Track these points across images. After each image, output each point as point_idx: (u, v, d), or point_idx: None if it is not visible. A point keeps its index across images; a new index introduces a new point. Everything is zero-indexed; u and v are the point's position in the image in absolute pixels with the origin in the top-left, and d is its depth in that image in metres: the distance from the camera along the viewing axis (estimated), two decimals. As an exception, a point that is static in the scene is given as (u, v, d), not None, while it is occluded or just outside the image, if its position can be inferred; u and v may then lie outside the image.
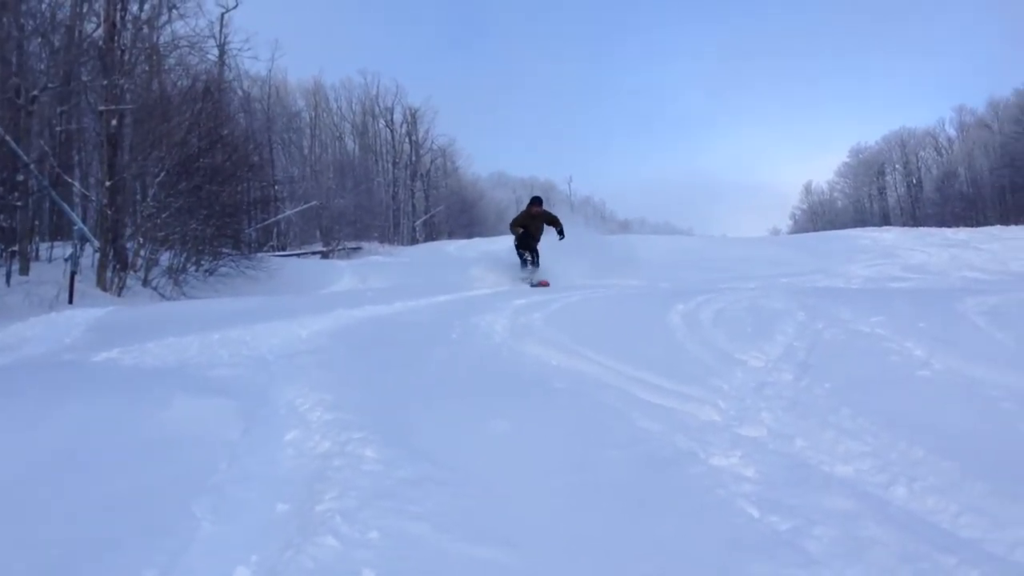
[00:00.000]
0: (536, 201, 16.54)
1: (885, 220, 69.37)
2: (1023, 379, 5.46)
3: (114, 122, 21.22)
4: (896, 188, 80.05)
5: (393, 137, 67.05)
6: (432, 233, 63.49)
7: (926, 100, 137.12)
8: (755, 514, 3.55)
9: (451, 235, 59.55)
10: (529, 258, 16.23)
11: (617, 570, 3.05)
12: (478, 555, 3.11)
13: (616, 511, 3.61)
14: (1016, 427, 4.52)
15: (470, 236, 52.07)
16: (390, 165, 66.11)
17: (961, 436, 4.41)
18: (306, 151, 59.37)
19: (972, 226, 34.74)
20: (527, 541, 3.24)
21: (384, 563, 2.98)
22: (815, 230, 63.93)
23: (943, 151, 73.85)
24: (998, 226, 30.62)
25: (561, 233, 16.33)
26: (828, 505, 3.58)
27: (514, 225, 16.26)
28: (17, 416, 4.99)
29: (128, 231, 21.84)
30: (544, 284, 15.35)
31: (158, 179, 21.12)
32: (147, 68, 25.00)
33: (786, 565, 3.05)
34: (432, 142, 68.37)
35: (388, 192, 64.08)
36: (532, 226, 16.26)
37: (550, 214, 16.63)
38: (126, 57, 22.96)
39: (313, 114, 62.45)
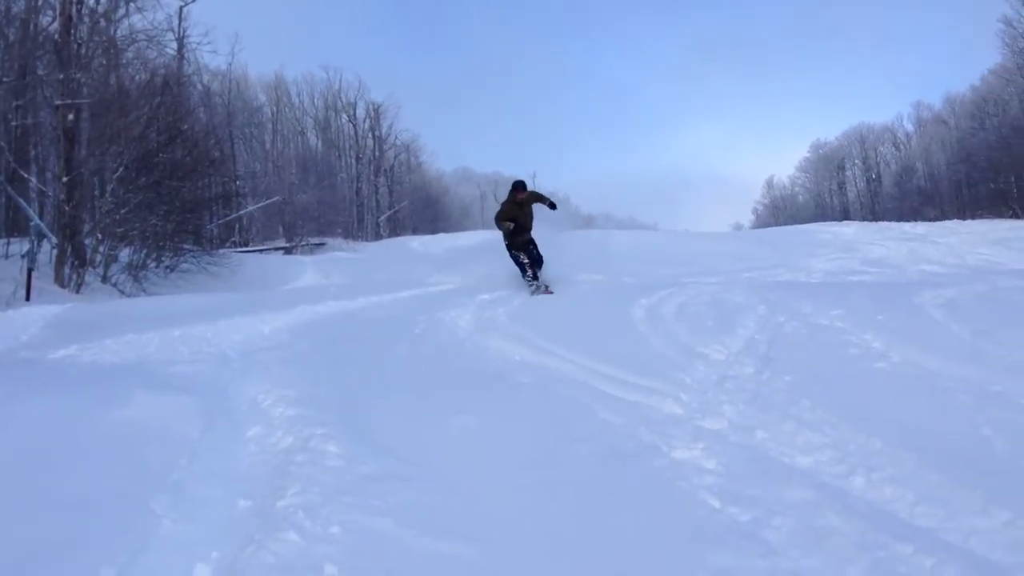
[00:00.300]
0: (519, 186, 13.20)
1: (845, 215, 70.09)
2: (979, 371, 5.57)
3: (71, 116, 20.88)
4: (856, 183, 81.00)
5: (356, 132, 66.54)
6: (396, 229, 63.16)
7: (884, 96, 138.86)
8: (716, 505, 3.58)
9: (415, 231, 59.28)
10: (526, 261, 12.89)
11: (580, 564, 3.06)
12: (442, 550, 3.11)
13: (580, 505, 3.63)
14: (972, 418, 4.60)
15: (435, 232, 51.77)
16: (353, 160, 65.62)
17: (918, 427, 4.48)
18: (268, 146, 58.81)
19: (930, 220, 35.27)
20: (491, 536, 3.25)
21: (346, 558, 2.98)
22: (777, 225, 64.49)
23: (901, 146, 74.84)
24: (955, 220, 31.10)
25: (553, 205, 13.58)
26: (788, 496, 3.63)
27: (501, 219, 12.89)
28: (-28, 415, 4.90)
29: (86, 227, 21.46)
30: (547, 292, 12.41)
31: (116, 174, 20.80)
32: (104, 62, 24.57)
33: (746, 555, 3.09)
34: (396, 137, 67.98)
35: (351, 187, 63.62)
36: (521, 216, 13.02)
37: (535, 194, 13.67)
38: (83, 51, 22.57)
39: (275, 109, 61.85)
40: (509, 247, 13.09)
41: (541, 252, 13.18)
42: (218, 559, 3.03)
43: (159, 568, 2.98)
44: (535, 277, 12.82)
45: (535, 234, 13.39)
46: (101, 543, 3.10)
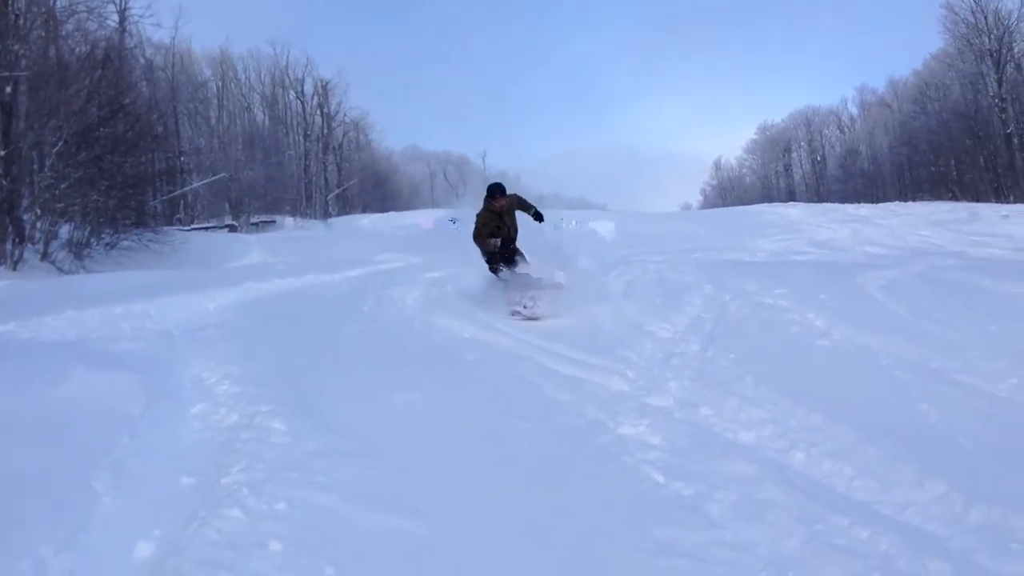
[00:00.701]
0: (497, 191, 9.48)
1: (791, 196, 71.01)
2: (915, 349, 5.72)
3: (8, 89, 20.30)
4: (801, 165, 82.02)
5: (304, 109, 65.57)
6: (345, 207, 62.55)
7: (830, 79, 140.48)
8: (660, 480, 3.63)
9: (365, 209, 58.91)
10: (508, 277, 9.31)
11: (525, 537, 3.08)
12: (387, 525, 3.10)
13: (526, 481, 3.65)
14: (909, 394, 4.72)
15: (384, 210, 51.65)
16: (301, 138, 64.72)
17: (856, 403, 4.59)
18: (213, 122, 57.61)
19: (873, 202, 36.00)
20: (437, 511, 3.25)
21: (291, 533, 2.96)
22: (724, 206, 65.32)
23: (846, 129, 75.96)
24: (896, 202, 31.83)
25: (539, 216, 9.89)
26: (730, 470, 3.69)
27: (481, 238, 9.25)
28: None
29: (25, 202, 20.93)
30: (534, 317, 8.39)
31: (56, 149, 20.30)
32: (43, 34, 23.89)
33: (689, 528, 3.14)
34: (344, 115, 67.12)
35: (300, 165, 62.77)
36: (502, 229, 9.46)
37: (517, 198, 9.93)
38: (21, 22, 21.90)
39: (220, 84, 60.56)
40: (489, 263, 9.72)
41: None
42: (160, 536, 2.99)
43: (100, 546, 2.93)
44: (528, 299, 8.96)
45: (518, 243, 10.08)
46: (39, 521, 3.04)
